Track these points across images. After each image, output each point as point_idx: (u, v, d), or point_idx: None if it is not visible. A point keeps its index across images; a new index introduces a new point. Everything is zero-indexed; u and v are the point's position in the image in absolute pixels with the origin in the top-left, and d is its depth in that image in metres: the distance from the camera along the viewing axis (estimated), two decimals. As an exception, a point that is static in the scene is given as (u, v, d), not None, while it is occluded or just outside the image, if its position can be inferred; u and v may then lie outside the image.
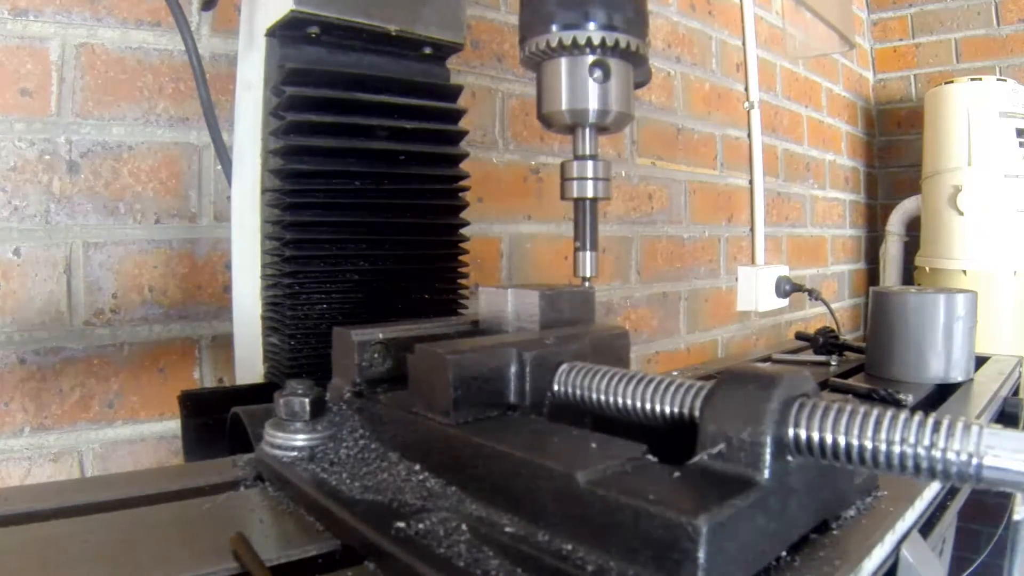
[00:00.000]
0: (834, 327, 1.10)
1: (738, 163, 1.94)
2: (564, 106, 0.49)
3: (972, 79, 2.25)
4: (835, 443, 0.27)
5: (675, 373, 0.45)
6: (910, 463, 0.25)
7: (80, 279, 0.88)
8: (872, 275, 2.91)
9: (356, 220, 0.64)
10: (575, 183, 0.49)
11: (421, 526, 0.31)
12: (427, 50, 0.68)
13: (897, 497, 0.37)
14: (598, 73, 0.48)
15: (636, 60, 0.49)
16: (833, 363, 0.95)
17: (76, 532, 0.36)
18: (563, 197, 0.50)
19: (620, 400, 0.35)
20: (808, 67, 2.42)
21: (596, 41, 0.46)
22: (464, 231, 0.72)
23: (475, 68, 1.30)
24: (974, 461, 0.24)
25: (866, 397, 0.77)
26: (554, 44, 0.47)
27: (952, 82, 2.28)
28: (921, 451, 0.25)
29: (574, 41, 0.46)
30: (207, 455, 0.60)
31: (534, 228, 1.41)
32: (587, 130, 0.49)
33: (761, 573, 0.27)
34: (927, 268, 2.32)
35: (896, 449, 0.25)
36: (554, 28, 0.47)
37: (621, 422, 0.35)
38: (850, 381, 0.83)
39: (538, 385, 0.38)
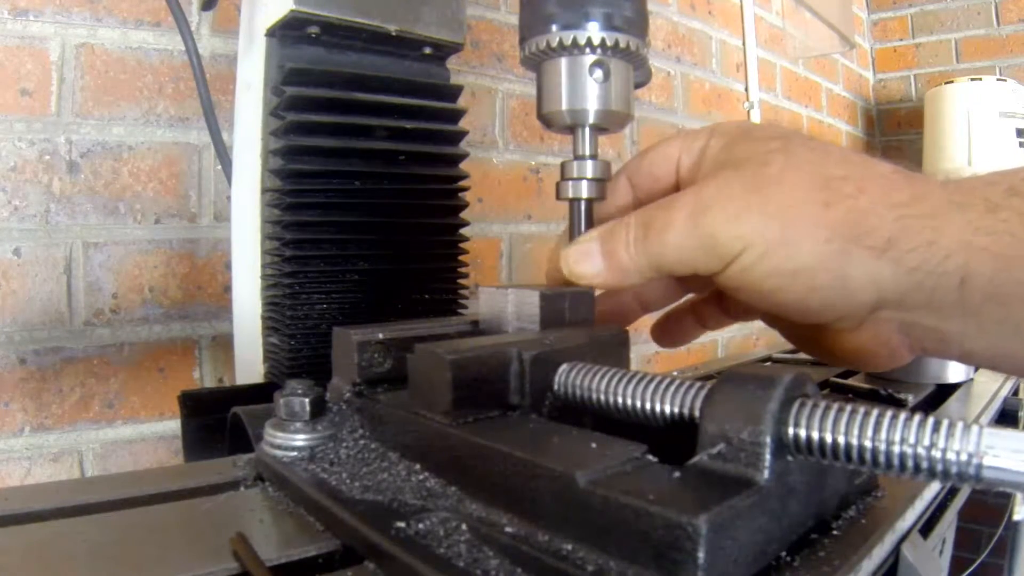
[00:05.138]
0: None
1: (738, 163, 1.93)
2: (564, 106, 0.48)
3: (972, 79, 2.24)
4: (835, 443, 0.27)
5: (675, 373, 0.45)
6: (910, 463, 0.25)
7: (80, 279, 0.88)
8: (872, 275, 2.90)
9: (356, 220, 0.64)
10: (570, 184, 0.49)
11: (421, 526, 0.31)
12: (427, 50, 0.68)
13: (897, 497, 0.37)
14: (598, 73, 0.48)
15: (636, 60, 0.49)
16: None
17: (76, 532, 0.36)
18: (558, 197, 0.50)
19: (620, 400, 0.35)
20: (808, 67, 2.42)
21: (596, 41, 0.46)
22: (464, 231, 0.72)
23: (475, 68, 1.30)
24: (974, 461, 0.24)
25: (866, 397, 0.77)
26: (554, 44, 0.47)
27: (952, 82, 2.28)
28: (921, 451, 0.25)
29: (574, 41, 0.46)
30: (207, 455, 0.60)
31: (534, 228, 1.41)
32: (587, 130, 0.49)
33: (761, 573, 0.27)
34: (927, 268, 2.31)
35: (896, 449, 0.25)
36: (554, 28, 0.47)
37: (621, 422, 0.35)
38: (850, 381, 0.83)
39: (538, 385, 0.37)
